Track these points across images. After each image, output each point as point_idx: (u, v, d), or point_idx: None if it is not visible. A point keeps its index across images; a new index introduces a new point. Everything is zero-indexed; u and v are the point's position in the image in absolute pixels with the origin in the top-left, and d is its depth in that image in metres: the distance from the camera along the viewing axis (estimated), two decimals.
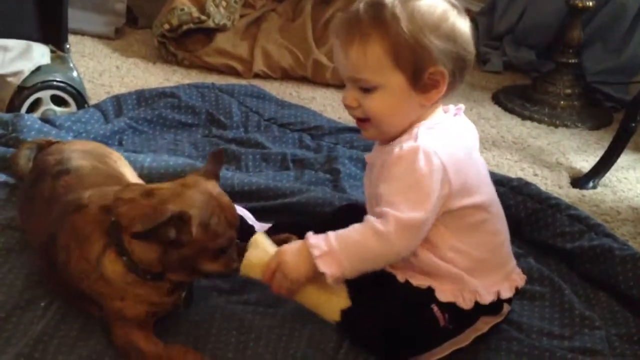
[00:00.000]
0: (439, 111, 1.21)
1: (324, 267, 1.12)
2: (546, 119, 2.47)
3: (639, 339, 1.31)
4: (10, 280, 1.28)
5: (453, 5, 1.17)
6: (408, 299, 1.21)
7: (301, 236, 1.23)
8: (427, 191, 1.11)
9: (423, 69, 1.13)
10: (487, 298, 1.21)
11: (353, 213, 1.45)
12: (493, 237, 1.25)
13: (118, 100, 2.01)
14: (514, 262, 1.29)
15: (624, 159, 2.11)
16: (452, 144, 1.17)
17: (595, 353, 1.26)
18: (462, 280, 1.20)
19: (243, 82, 2.42)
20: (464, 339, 1.25)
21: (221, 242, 1.12)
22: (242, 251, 1.18)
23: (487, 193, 1.23)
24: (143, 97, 2.04)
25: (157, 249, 1.10)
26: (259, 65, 2.58)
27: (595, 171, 2.04)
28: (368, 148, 1.98)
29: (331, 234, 1.14)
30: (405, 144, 1.13)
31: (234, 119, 2.06)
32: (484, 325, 1.25)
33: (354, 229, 1.14)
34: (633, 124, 2.04)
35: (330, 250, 1.12)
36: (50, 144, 1.46)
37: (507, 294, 1.24)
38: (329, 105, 2.41)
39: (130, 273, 1.12)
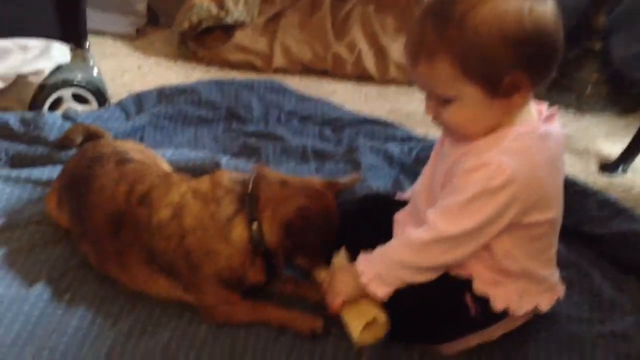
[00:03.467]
0: (530, 112, 1.13)
1: (375, 289, 1.16)
2: (573, 106, 2.42)
3: None
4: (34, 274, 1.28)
5: None
6: (443, 286, 1.18)
7: None
8: (483, 210, 1.07)
9: (499, 77, 1.04)
10: (519, 310, 1.18)
11: (375, 204, 1.45)
12: (549, 248, 1.21)
13: (139, 98, 2.02)
14: (558, 273, 1.25)
15: None
16: (535, 160, 1.08)
17: (627, 338, 1.23)
18: (504, 285, 1.17)
19: (263, 77, 2.41)
20: (492, 334, 1.22)
21: (324, 249, 1.24)
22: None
23: (560, 205, 1.17)
24: (163, 94, 2.05)
25: (281, 234, 1.20)
26: (278, 60, 2.57)
27: (624, 156, 2.00)
28: (389, 139, 1.98)
29: (377, 256, 1.17)
30: (486, 155, 1.07)
31: (254, 113, 2.05)
32: (512, 323, 1.22)
33: (397, 246, 1.17)
34: None
35: (377, 274, 1.16)
36: (96, 133, 1.54)
37: (545, 307, 1.21)
38: (349, 98, 2.39)
39: (250, 244, 1.21)
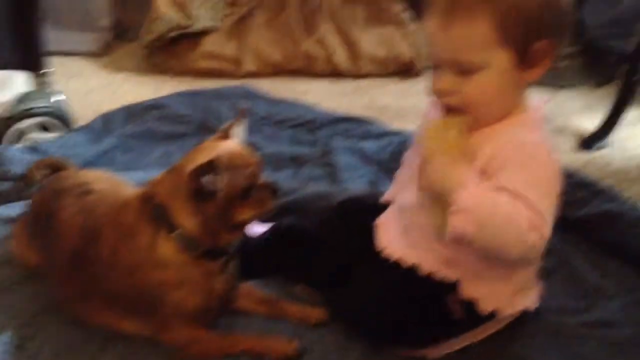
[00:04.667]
0: (529, 98, 1.11)
1: (457, 222, 0.99)
2: (548, 81, 2.39)
3: None
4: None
5: None
6: (424, 290, 1.16)
7: (299, 241, 1.31)
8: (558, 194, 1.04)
9: (531, 42, 1.01)
10: (506, 311, 1.16)
11: (353, 209, 1.42)
12: None
13: (106, 119, 1.99)
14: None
15: (631, 114, 2.03)
16: (550, 145, 1.07)
17: (612, 324, 1.22)
18: (495, 284, 1.15)
19: (235, 82, 2.38)
20: (477, 336, 1.20)
21: (243, 182, 1.14)
22: (275, 190, 1.20)
23: None
24: (131, 113, 2.01)
25: (196, 211, 1.13)
26: (248, 64, 2.54)
27: (602, 130, 1.98)
28: (364, 136, 1.95)
29: (486, 197, 1.00)
30: (527, 137, 1.04)
31: (226, 123, 2.02)
32: (499, 323, 1.20)
33: (512, 208, 0.98)
34: (636, 76, 1.96)
35: (473, 213, 0.99)
36: (60, 166, 1.49)
37: (533, 305, 1.19)
38: (323, 96, 2.36)
39: (184, 253, 1.15)
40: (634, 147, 1.93)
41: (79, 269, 1.21)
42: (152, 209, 1.16)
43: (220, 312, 1.24)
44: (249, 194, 1.15)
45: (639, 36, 2.13)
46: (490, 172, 1.03)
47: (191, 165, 1.11)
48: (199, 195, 1.11)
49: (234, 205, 1.14)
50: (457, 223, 0.99)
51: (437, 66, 1.07)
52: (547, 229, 0.99)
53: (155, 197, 1.16)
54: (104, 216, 1.21)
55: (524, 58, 1.03)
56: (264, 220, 1.43)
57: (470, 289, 1.15)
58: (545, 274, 1.32)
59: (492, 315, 1.16)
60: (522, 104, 1.09)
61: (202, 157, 1.12)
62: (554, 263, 1.36)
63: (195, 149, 1.18)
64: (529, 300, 1.19)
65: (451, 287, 1.15)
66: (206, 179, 1.10)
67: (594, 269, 1.37)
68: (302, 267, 1.33)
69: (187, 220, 1.14)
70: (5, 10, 1.88)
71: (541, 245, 0.99)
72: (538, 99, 1.13)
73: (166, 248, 1.15)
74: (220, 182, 1.11)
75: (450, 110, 1.08)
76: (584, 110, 2.19)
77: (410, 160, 1.24)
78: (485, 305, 1.15)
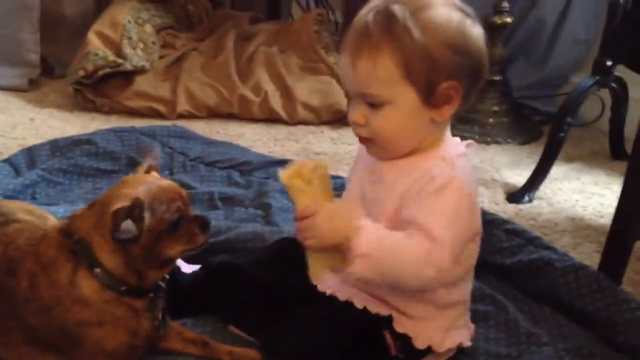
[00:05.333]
0: (448, 135, 1.15)
1: (357, 267, 1.03)
2: (477, 137, 2.45)
3: (587, 352, 1.26)
4: None
5: (467, 14, 1.09)
6: (363, 325, 1.15)
7: (233, 278, 1.27)
8: (470, 230, 1.09)
9: (436, 83, 1.05)
10: (442, 347, 1.16)
11: (287, 249, 1.39)
12: (471, 273, 1.21)
13: (30, 152, 1.90)
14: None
15: (557, 170, 2.10)
16: (469, 179, 1.10)
17: None
18: (428, 320, 1.15)
19: (167, 124, 2.33)
20: None
21: (169, 217, 1.09)
22: (205, 224, 1.15)
23: None
24: (57, 147, 1.94)
25: (119, 249, 1.08)
26: (182, 105, 2.50)
27: (530, 185, 2.03)
28: None
29: (382, 238, 1.04)
30: (440, 170, 1.07)
31: (157, 161, 1.97)
32: (437, 357, 1.19)
33: (407, 245, 1.04)
34: (561, 134, 2.04)
35: (371, 257, 1.03)
36: None
37: (467, 342, 1.20)
38: (258, 140, 2.34)
39: (106, 291, 1.09)
40: (561, 200, 1.98)
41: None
42: (74, 244, 1.10)
43: (146, 352, 1.17)
44: (177, 228, 1.11)
45: (563, 97, 2.24)
46: (404, 204, 1.09)
47: (113, 204, 1.06)
48: (119, 239, 1.06)
49: (160, 241, 1.10)
50: (355, 268, 1.04)
51: (351, 99, 1.13)
52: (446, 261, 1.03)
53: (77, 231, 1.11)
54: (24, 247, 1.14)
55: (429, 97, 1.06)
56: (194, 257, 1.39)
57: (401, 325, 1.14)
58: (481, 318, 1.33)
59: (429, 350, 1.16)
60: (439, 139, 1.12)
61: (125, 193, 1.08)
62: (489, 308, 1.37)
63: (119, 184, 1.15)
64: (462, 336, 1.19)
65: (387, 322, 1.14)
66: (124, 226, 1.04)
67: (527, 316, 1.37)
68: (235, 306, 1.28)
69: (109, 258, 1.09)
70: None
71: (439, 277, 1.04)
72: (459, 140, 1.17)
73: (87, 286, 1.09)
74: (140, 225, 1.06)
75: (363, 140, 1.12)
76: (511, 166, 2.25)
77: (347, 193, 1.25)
78: (418, 342, 1.14)
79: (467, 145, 1.17)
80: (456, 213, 1.06)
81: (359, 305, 1.16)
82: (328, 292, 1.21)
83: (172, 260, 1.16)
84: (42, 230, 1.18)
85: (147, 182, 1.12)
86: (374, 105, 1.08)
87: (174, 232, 1.11)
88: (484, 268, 1.50)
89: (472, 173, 1.14)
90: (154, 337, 1.17)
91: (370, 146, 1.14)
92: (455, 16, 1.07)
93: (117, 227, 1.04)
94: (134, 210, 1.05)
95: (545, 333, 1.31)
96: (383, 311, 1.15)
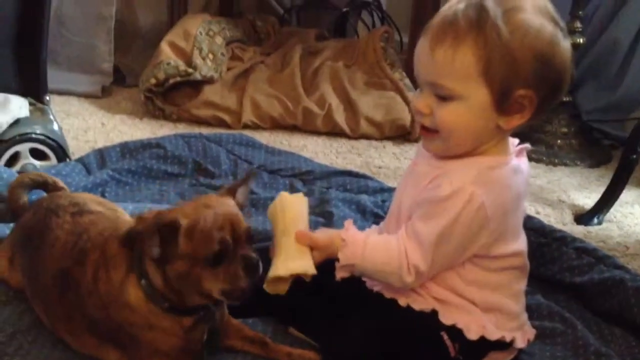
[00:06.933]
0: (508, 145, 1.11)
1: (342, 255, 1.11)
2: (544, 158, 2.41)
3: None
4: None
5: (560, 26, 1.05)
6: (413, 325, 1.13)
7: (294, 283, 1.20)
8: (457, 239, 1.06)
9: (512, 88, 1.02)
10: (494, 335, 1.12)
11: None
12: (517, 283, 1.17)
13: (101, 153, 1.95)
14: (526, 315, 1.21)
15: (627, 194, 2.04)
16: (505, 194, 1.07)
17: None
18: (472, 313, 1.12)
19: (233, 132, 2.36)
20: None
21: (211, 247, 1.02)
22: (252, 267, 1.05)
23: (523, 240, 1.16)
24: (127, 149, 1.98)
25: (157, 266, 1.05)
26: (248, 116, 2.53)
27: (599, 207, 1.97)
28: (361, 191, 1.93)
29: (366, 241, 1.12)
30: (457, 179, 1.05)
31: (222, 167, 2.00)
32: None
33: (385, 248, 1.11)
34: (634, 156, 1.98)
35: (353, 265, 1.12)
36: (47, 182, 1.45)
37: (521, 344, 1.16)
38: (320, 152, 2.35)
39: (150, 302, 1.08)
40: (632, 224, 1.92)
41: (64, 288, 1.15)
42: (133, 248, 1.08)
43: (203, 353, 1.15)
44: (218, 262, 1.04)
45: (635, 122, 2.17)
46: (416, 197, 1.12)
47: (163, 218, 1.03)
48: (150, 257, 1.05)
49: (198, 271, 1.04)
50: (343, 255, 1.11)
51: (420, 87, 1.10)
52: (423, 265, 1.07)
53: (139, 237, 1.05)
54: (95, 238, 1.16)
55: (502, 101, 1.03)
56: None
57: (449, 316, 1.12)
58: (548, 335, 1.29)
59: (485, 350, 1.14)
60: (494, 148, 1.09)
61: (177, 212, 1.05)
62: (557, 325, 1.32)
63: (192, 202, 1.09)
64: (517, 338, 1.15)
65: (438, 322, 1.12)
66: (150, 244, 1.02)
67: (597, 335, 1.32)
68: (296, 308, 1.28)
69: (153, 272, 1.07)
70: (12, 35, 1.87)
71: (414, 280, 1.09)
72: (515, 144, 1.14)
73: (133, 294, 1.09)
74: (170, 247, 1.02)
75: (425, 131, 1.10)
76: (579, 188, 2.19)
77: (395, 193, 1.26)
78: (470, 333, 1.11)
79: (520, 151, 1.13)
80: (453, 223, 1.04)
81: (402, 303, 1.15)
82: (375, 289, 1.20)
83: (211, 294, 1.07)
84: (114, 224, 1.20)
85: (208, 206, 1.06)
86: (443, 97, 1.05)
87: (214, 266, 1.04)
88: (552, 285, 1.47)
89: (517, 182, 1.10)
90: (212, 336, 1.15)
91: (431, 139, 1.10)
92: (547, 25, 1.03)
93: (147, 243, 1.03)
94: (165, 231, 1.02)
95: (616, 354, 1.26)
96: (424, 305, 1.13)
